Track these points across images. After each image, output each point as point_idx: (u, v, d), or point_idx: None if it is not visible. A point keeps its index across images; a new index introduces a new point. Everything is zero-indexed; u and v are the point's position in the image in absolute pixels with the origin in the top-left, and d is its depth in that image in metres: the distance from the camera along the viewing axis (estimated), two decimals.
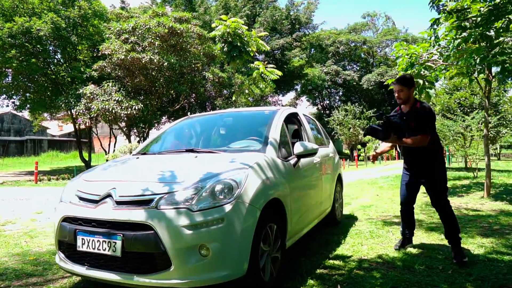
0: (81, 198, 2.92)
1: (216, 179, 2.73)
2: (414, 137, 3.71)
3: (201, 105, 23.83)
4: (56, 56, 19.31)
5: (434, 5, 5.26)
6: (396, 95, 3.89)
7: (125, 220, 2.58)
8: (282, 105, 36.85)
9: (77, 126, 20.65)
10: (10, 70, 18.51)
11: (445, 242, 4.07)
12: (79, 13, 18.25)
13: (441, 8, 5.24)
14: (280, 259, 3.27)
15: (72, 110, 17.33)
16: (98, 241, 2.65)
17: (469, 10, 5.15)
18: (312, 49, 39.00)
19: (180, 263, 2.50)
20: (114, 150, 23.13)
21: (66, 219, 2.90)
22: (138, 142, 19.80)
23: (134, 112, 15.83)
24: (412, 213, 4.23)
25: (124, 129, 19.93)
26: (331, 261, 3.88)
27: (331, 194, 5.24)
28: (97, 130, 22.51)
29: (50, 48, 19.07)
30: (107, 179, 3.02)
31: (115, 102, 15.72)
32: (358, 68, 43.28)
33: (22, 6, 17.59)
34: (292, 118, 4.61)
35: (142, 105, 16.20)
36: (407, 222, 4.24)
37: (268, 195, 3.03)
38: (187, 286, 2.52)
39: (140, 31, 17.01)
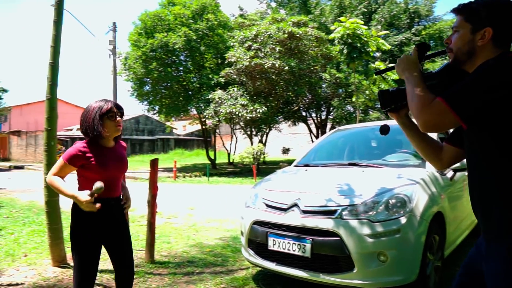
0: (268, 206, 3.51)
1: (391, 193, 3.08)
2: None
3: (317, 105, 24.21)
4: (187, 65, 21.42)
5: None
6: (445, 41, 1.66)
7: (313, 226, 3.07)
8: None
9: (203, 127, 22.66)
10: (149, 79, 21.07)
11: None
12: (207, 25, 20.00)
13: None
14: (440, 268, 3.49)
15: (202, 114, 19.09)
16: (288, 243, 3.19)
17: None
18: (431, 41, 36.52)
19: (362, 266, 2.91)
20: (235, 149, 24.89)
21: (256, 223, 3.52)
22: (259, 142, 20.98)
23: (258, 115, 16.91)
24: None
25: (246, 129, 21.34)
26: None
27: None
28: (219, 130, 24.37)
29: (181, 58, 21.26)
30: (289, 189, 3.57)
31: (241, 105, 16.96)
32: None
33: (160, 24, 19.93)
34: None
35: (265, 108, 17.22)
36: None
37: (433, 208, 3.28)
38: (367, 287, 2.92)
39: (261, 38, 18.01)
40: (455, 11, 1.60)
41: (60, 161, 2.40)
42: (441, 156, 1.80)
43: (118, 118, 2.48)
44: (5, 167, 27.68)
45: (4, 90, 33.76)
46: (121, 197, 2.63)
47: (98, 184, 2.23)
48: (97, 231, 2.42)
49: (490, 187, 1.46)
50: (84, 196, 2.24)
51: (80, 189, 2.43)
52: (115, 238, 2.53)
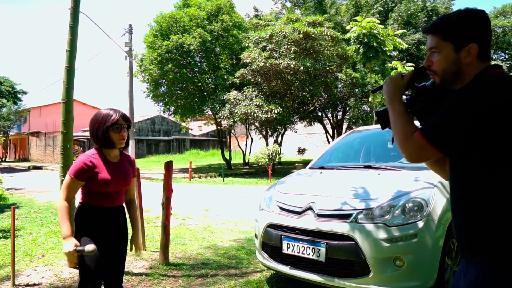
0: (282, 209, 3.47)
1: (407, 197, 3.01)
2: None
3: (333, 105, 24.03)
4: (202, 66, 21.51)
5: None
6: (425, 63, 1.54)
7: (328, 230, 3.03)
8: None
9: (219, 128, 22.73)
10: (165, 80, 21.23)
11: None
12: (222, 26, 20.05)
13: None
14: None
15: (217, 114, 19.15)
16: (302, 246, 3.14)
17: None
18: None
19: (377, 271, 2.85)
20: (250, 150, 24.87)
21: (270, 226, 3.48)
22: (275, 142, 20.94)
23: (274, 116, 16.88)
24: None
25: (261, 130, 21.32)
26: None
27: None
28: (234, 131, 24.41)
29: (196, 59, 21.37)
30: (303, 193, 3.53)
31: (256, 106, 16.95)
32: (507, 57, 38.43)
33: (175, 25, 20.06)
34: None
35: (280, 109, 17.18)
36: None
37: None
38: None
39: (276, 38, 17.97)
40: (428, 31, 1.50)
41: (67, 180, 2.36)
42: (446, 167, 1.66)
43: (123, 132, 2.43)
44: (24, 167, 28.30)
45: (24, 92, 34.53)
46: (124, 207, 2.64)
47: (90, 248, 2.20)
48: (98, 237, 2.37)
49: (472, 206, 1.37)
50: (71, 247, 2.20)
51: (82, 198, 2.46)
52: (113, 253, 2.50)
